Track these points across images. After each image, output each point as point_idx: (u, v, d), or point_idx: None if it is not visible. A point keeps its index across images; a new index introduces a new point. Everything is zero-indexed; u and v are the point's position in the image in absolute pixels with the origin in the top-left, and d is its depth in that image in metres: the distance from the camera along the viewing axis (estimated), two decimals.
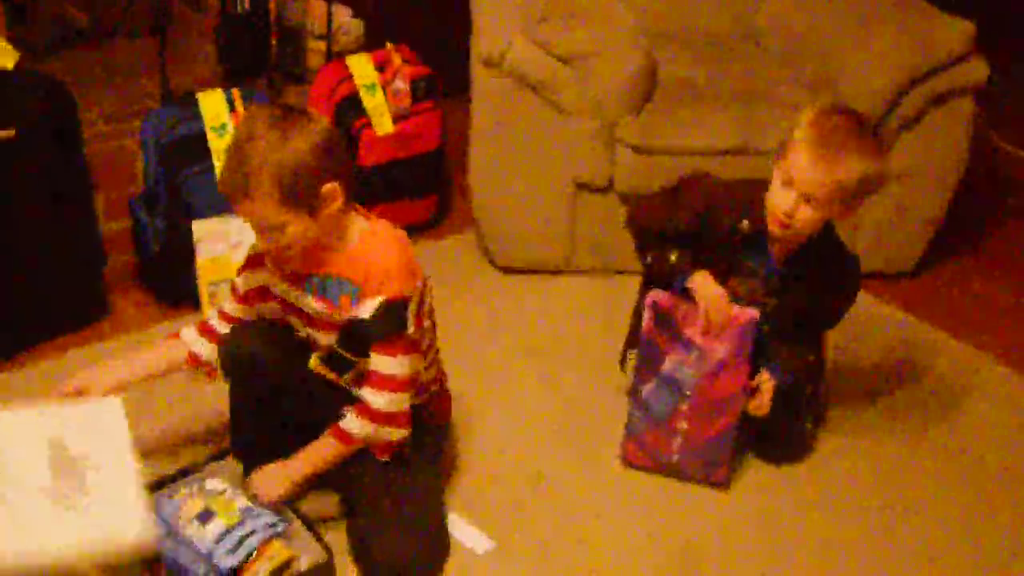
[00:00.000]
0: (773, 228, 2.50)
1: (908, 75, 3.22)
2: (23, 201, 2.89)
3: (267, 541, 2.25)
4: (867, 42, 3.28)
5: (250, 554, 2.23)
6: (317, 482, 2.48)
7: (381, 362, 2.29)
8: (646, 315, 2.59)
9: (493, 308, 3.34)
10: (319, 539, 2.32)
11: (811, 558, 2.53)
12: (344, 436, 2.34)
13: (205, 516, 2.28)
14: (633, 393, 2.67)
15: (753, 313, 2.52)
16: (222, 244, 3.05)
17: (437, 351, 2.54)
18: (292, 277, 2.34)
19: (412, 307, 2.29)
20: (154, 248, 3.15)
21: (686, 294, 2.54)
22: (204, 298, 3.08)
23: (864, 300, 3.27)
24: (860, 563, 2.53)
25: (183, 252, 3.07)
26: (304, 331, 2.40)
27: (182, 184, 3.05)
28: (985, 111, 4.32)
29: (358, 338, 2.30)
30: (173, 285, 3.19)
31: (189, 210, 3.06)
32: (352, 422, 2.33)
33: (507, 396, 2.98)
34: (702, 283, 2.51)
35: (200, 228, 3.05)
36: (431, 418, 2.51)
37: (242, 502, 2.32)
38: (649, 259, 2.64)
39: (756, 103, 3.30)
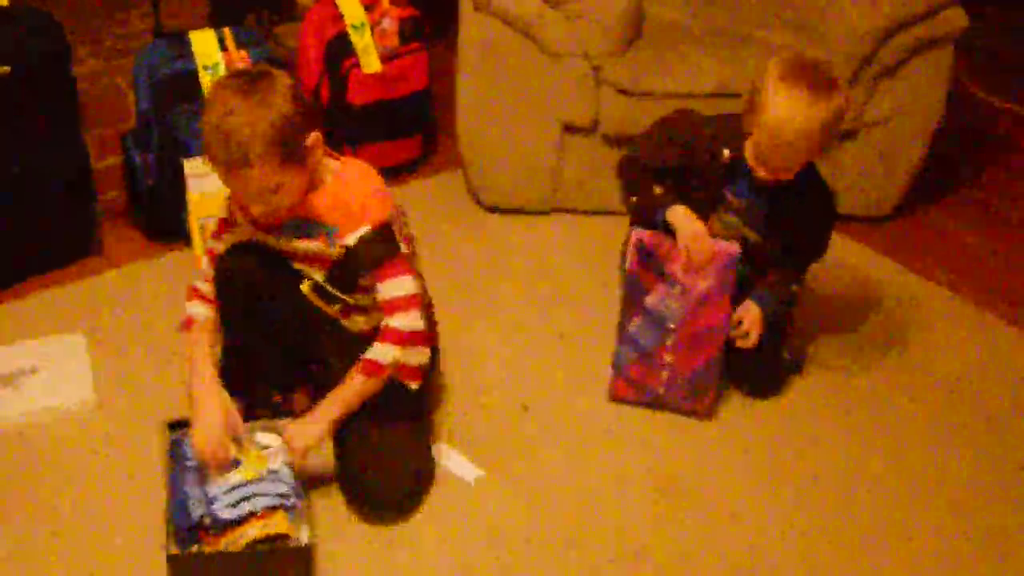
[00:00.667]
0: (760, 175, 2.58)
1: (891, 21, 3.25)
2: (16, 136, 2.93)
3: (273, 509, 2.27)
4: None
5: (249, 515, 2.25)
6: None
7: (389, 287, 2.35)
8: (630, 254, 2.65)
9: (480, 246, 3.39)
10: (311, 526, 2.34)
11: (790, 488, 2.61)
12: (373, 367, 2.37)
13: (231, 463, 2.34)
14: (620, 330, 2.73)
15: (734, 248, 2.59)
16: (213, 180, 3.08)
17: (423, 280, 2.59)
18: (266, 226, 2.39)
19: (396, 227, 2.36)
20: (146, 183, 3.18)
21: (668, 230, 2.61)
22: (195, 233, 3.11)
23: (842, 243, 3.36)
24: (837, 492, 2.61)
25: (174, 188, 3.11)
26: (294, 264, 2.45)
27: (174, 121, 3.08)
28: (963, 61, 4.38)
29: (349, 271, 2.36)
30: (164, 220, 3.23)
31: (180, 147, 3.09)
32: (379, 350, 2.36)
33: (495, 329, 3.04)
34: (683, 218, 2.58)
35: (191, 165, 3.08)
36: None
37: (276, 463, 2.36)
38: (634, 200, 2.70)
39: (742, 45, 3.34)
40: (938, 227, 3.70)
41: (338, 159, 2.39)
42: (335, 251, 2.33)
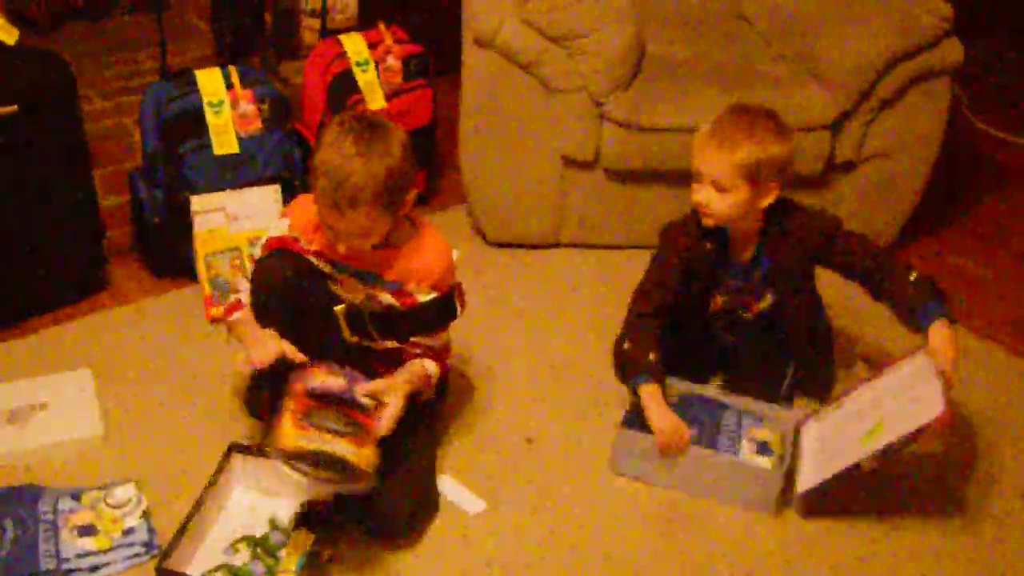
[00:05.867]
0: (706, 222, 2.64)
1: (889, 55, 3.29)
2: (25, 175, 2.95)
3: (127, 569, 2.36)
4: (850, 22, 3.35)
5: None
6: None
7: (433, 340, 2.51)
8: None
9: (484, 280, 3.41)
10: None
11: (793, 517, 2.62)
12: (429, 380, 2.52)
13: (86, 531, 2.42)
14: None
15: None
16: (219, 216, 3.13)
17: None
18: (324, 255, 2.50)
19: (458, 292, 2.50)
20: (153, 220, 3.21)
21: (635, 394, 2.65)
22: (201, 270, 3.14)
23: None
24: (833, 516, 2.62)
25: (181, 224, 3.15)
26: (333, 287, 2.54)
27: (180, 158, 3.12)
28: (963, 92, 4.42)
29: (403, 322, 2.47)
30: (171, 257, 3.26)
31: (187, 184, 3.13)
32: (432, 367, 2.53)
33: (498, 362, 3.06)
34: (655, 403, 2.60)
35: (198, 201, 3.12)
36: None
37: (129, 524, 2.43)
38: (627, 347, 2.67)
39: (741, 81, 3.37)
40: (940, 257, 3.72)
41: (416, 224, 2.49)
42: (395, 298, 2.45)
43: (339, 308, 2.48)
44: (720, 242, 2.69)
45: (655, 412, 2.59)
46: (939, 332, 2.52)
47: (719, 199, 2.58)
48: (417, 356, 2.52)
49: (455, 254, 2.51)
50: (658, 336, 2.66)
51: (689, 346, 2.83)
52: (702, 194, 2.59)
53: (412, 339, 2.50)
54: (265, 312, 2.50)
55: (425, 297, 2.44)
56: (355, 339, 2.52)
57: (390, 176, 2.26)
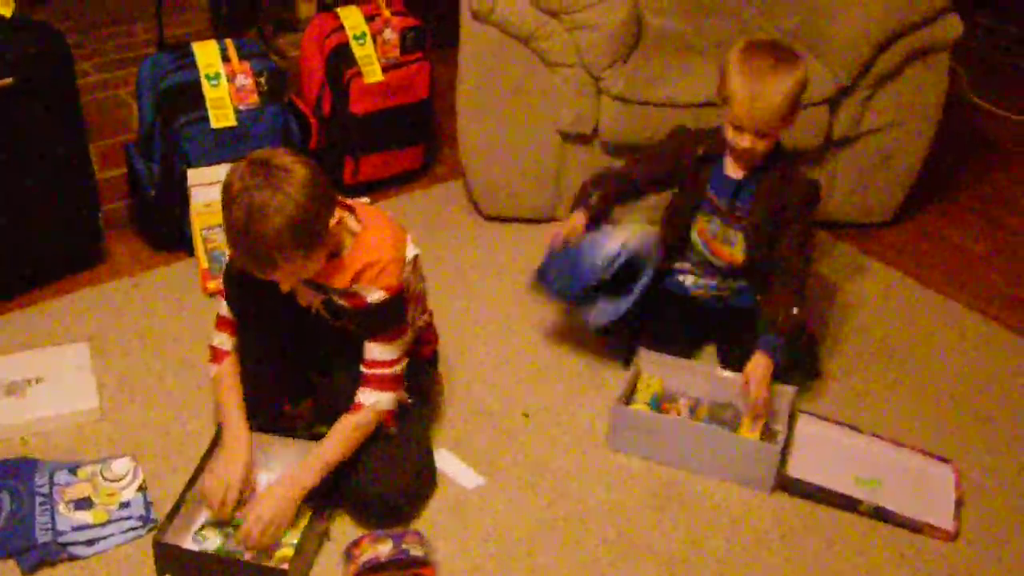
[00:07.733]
0: (738, 160, 2.78)
1: (888, 29, 3.27)
2: (21, 148, 2.95)
3: (123, 543, 2.36)
4: None
5: (99, 551, 2.34)
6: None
7: (378, 350, 2.39)
8: None
9: (480, 254, 3.42)
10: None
11: (784, 498, 2.63)
12: (357, 406, 2.41)
13: (82, 504, 2.42)
14: None
15: None
16: (216, 190, 3.11)
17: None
18: None
19: (406, 286, 2.39)
20: (150, 193, 3.21)
21: None
22: (198, 243, 3.14)
23: (840, 249, 3.39)
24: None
25: (178, 197, 3.14)
26: None
27: (177, 131, 3.11)
28: (963, 68, 4.41)
29: (352, 317, 2.39)
30: (168, 230, 3.26)
31: (184, 156, 3.12)
32: (361, 394, 2.40)
33: (495, 337, 3.07)
34: (570, 222, 2.88)
35: (195, 174, 3.11)
36: (418, 353, 2.59)
37: (126, 497, 2.44)
38: (585, 180, 2.97)
39: None
40: (937, 234, 3.71)
41: (357, 216, 2.38)
42: (343, 301, 2.37)
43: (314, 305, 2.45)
44: (714, 150, 2.81)
45: (569, 224, 2.88)
46: (757, 362, 2.68)
47: (762, 143, 2.70)
48: (367, 385, 2.41)
49: (411, 251, 2.42)
50: (617, 188, 2.92)
51: (669, 315, 2.98)
52: (748, 142, 2.69)
53: (367, 356, 2.40)
54: (244, 316, 2.48)
55: (372, 296, 2.34)
56: (339, 323, 2.47)
57: (296, 227, 2.13)
